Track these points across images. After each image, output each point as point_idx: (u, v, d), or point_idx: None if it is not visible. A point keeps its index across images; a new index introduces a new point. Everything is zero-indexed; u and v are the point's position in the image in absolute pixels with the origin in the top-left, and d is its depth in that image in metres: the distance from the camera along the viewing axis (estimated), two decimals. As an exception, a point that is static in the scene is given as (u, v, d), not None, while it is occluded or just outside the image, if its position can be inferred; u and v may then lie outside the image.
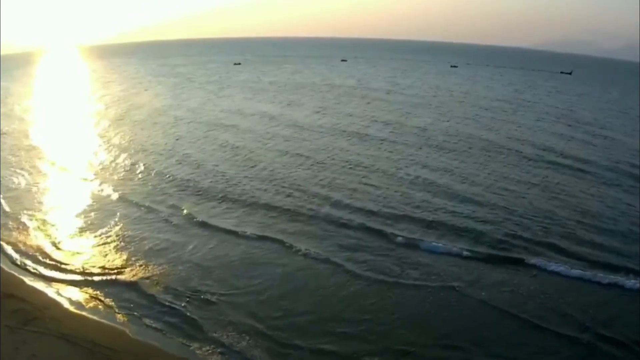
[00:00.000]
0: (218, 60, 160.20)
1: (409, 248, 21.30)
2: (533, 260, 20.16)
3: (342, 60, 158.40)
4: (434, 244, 21.56)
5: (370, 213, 24.93)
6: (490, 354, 14.62)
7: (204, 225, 23.69)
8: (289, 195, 27.58)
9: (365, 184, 29.76)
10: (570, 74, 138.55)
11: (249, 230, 22.90)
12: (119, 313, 16.97)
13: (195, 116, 53.39)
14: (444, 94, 77.03)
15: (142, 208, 26.05)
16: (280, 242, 21.73)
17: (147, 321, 16.36)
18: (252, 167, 33.39)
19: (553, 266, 19.70)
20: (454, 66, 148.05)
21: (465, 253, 20.76)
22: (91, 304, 17.66)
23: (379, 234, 22.61)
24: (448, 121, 51.46)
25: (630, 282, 18.54)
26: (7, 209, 26.26)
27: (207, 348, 14.93)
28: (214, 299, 17.47)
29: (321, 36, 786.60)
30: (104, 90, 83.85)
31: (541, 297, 17.66)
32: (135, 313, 16.83)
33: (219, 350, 14.81)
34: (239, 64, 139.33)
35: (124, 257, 20.73)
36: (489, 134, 45.27)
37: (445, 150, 38.66)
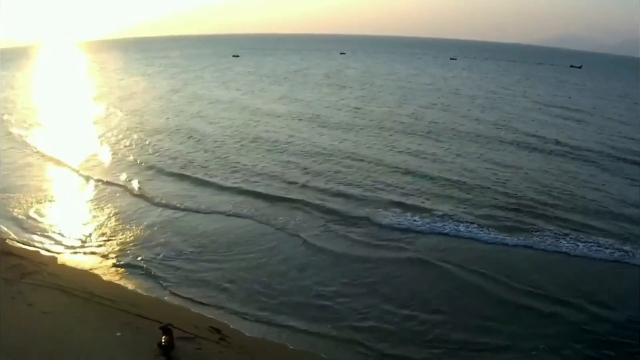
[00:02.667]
0: (216, 54, 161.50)
1: (374, 224, 21.34)
2: (506, 236, 20.29)
3: (341, 54, 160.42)
4: (405, 219, 21.67)
5: (334, 192, 25.06)
6: (458, 324, 14.51)
7: (170, 202, 23.88)
8: (241, 174, 28.15)
9: (327, 165, 29.95)
10: (580, 67, 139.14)
11: (216, 208, 23.26)
12: (115, 270, 17.30)
13: (164, 103, 54.73)
14: (437, 82, 78.03)
15: (113, 185, 26.50)
16: (251, 219, 21.95)
17: (142, 277, 16.90)
18: (210, 149, 33.87)
19: (525, 241, 19.86)
20: (453, 58, 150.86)
21: (425, 227, 20.92)
22: (89, 263, 17.88)
23: (340, 212, 22.62)
24: (432, 108, 52.18)
25: (600, 253, 18.92)
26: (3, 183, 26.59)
27: (194, 300, 15.45)
28: (196, 262, 18.01)
29: (323, 33, 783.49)
30: (90, 79, 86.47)
31: (512, 269, 17.75)
32: (129, 271, 17.24)
33: (204, 301, 15.37)
34: (237, 56, 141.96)
35: (115, 225, 21.14)
36: (470, 119, 45.53)
37: (417, 134, 38.81)
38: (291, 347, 12.95)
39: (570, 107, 54.04)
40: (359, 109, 49.96)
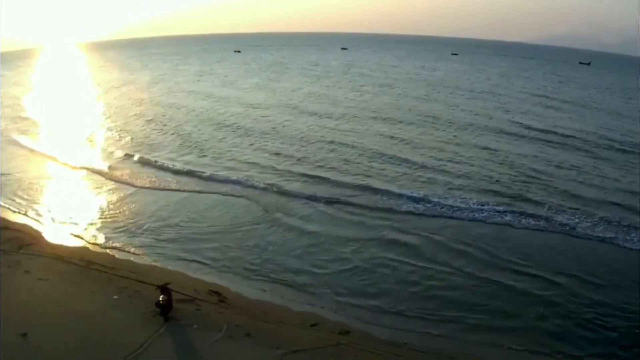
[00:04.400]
0: (218, 50, 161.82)
1: (330, 204, 20.90)
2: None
3: (343, 49, 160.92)
4: (390, 201, 21.25)
5: (313, 175, 24.61)
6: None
7: (153, 184, 23.83)
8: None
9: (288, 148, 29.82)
10: (589, 64, 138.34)
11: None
12: (110, 244, 17.14)
13: (148, 94, 54.85)
14: (433, 74, 78.45)
15: (97, 169, 26.42)
16: (220, 194, 22.13)
17: (138, 249, 16.82)
18: (177, 135, 33.88)
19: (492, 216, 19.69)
20: (455, 54, 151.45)
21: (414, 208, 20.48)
22: (85, 237, 17.66)
23: (291, 193, 22.25)
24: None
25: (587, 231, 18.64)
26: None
27: (168, 258, 15.84)
28: (178, 230, 18.23)
29: (328, 31, 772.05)
30: (83, 76, 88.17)
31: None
32: (124, 244, 17.07)
33: (189, 265, 15.49)
34: (239, 51, 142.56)
35: (105, 205, 21.06)
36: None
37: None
38: (294, 310, 12.67)
39: (584, 103, 52.40)
40: (342, 98, 49.99)
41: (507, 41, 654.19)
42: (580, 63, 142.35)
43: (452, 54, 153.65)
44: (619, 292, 14.36)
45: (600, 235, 18.30)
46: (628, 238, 18.06)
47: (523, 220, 19.36)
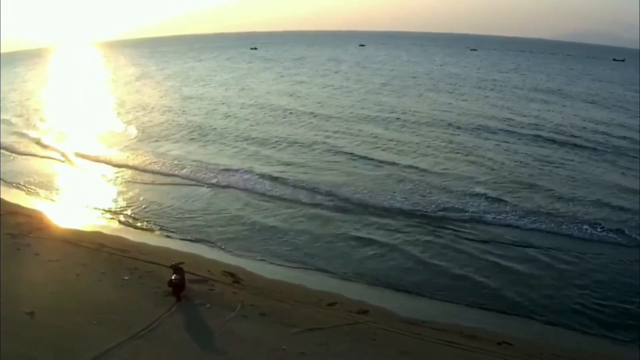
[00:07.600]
0: (232, 47, 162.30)
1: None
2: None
3: (361, 45, 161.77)
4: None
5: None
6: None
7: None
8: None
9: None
10: (623, 61, 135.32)
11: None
12: (121, 228, 17.12)
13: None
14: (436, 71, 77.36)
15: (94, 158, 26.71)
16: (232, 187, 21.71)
17: (150, 233, 16.86)
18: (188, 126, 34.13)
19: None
20: (473, 49, 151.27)
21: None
22: (96, 221, 17.69)
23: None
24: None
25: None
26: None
27: (181, 242, 15.93)
28: (191, 217, 18.12)
29: (349, 29, 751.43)
30: (86, 73, 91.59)
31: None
32: (135, 228, 17.13)
33: (203, 248, 15.43)
34: (255, 48, 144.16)
35: (113, 187, 21.64)
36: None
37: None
38: (311, 290, 12.27)
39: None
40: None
41: (526, 37, 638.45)
42: (614, 60, 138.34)
43: (470, 49, 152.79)
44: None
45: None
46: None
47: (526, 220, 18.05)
